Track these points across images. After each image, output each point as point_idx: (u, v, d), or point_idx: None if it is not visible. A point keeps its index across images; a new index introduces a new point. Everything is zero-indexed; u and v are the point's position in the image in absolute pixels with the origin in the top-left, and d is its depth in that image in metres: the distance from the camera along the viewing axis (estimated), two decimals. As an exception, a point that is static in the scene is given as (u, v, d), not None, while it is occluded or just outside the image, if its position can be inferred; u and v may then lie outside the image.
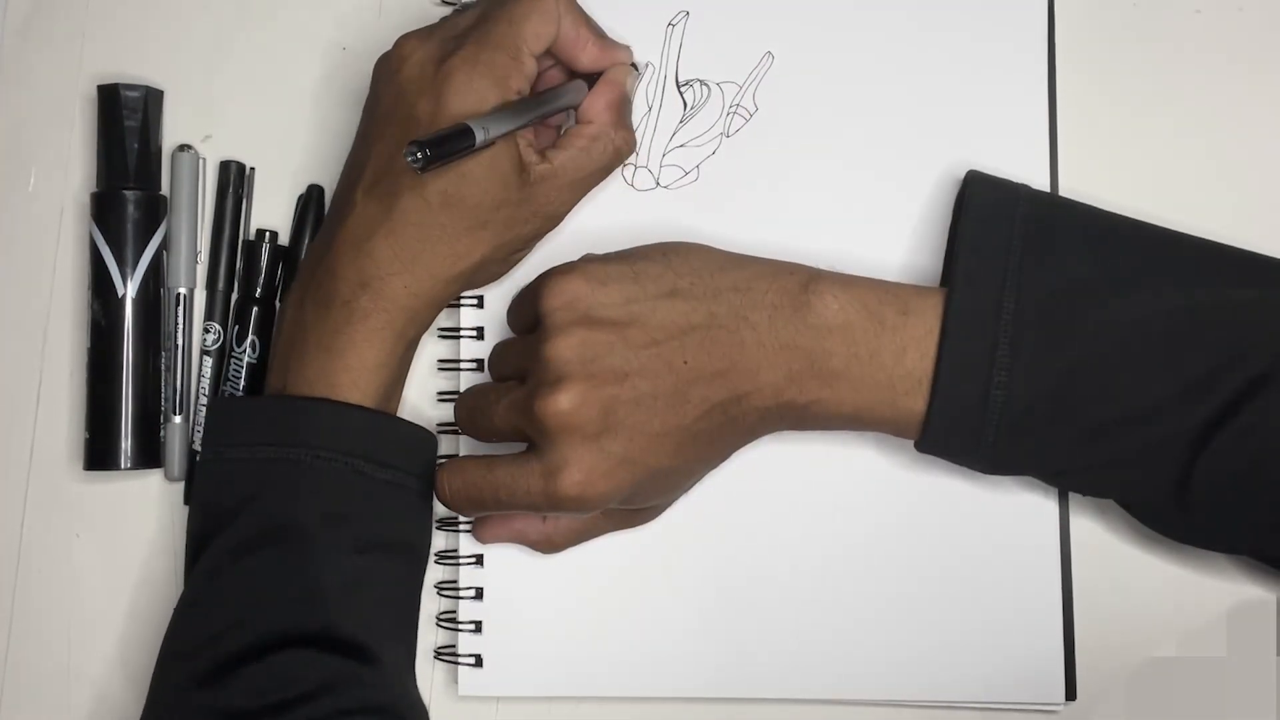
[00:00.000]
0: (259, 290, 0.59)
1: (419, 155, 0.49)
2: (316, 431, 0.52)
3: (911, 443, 0.53)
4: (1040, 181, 0.57)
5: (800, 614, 0.57)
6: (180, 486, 0.60)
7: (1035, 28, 0.58)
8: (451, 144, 0.49)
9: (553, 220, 0.56)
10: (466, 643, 0.57)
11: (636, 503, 0.53)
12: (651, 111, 0.59)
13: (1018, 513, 0.57)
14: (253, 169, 0.61)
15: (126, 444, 0.58)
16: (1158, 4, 0.55)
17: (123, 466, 0.59)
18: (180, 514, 0.60)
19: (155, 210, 0.60)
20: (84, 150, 0.61)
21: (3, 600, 0.60)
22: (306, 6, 0.62)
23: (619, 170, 0.59)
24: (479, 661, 0.57)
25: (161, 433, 0.59)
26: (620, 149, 0.56)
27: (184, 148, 0.61)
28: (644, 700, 0.58)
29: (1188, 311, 0.50)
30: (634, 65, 0.58)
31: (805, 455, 0.57)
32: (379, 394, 0.53)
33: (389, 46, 0.55)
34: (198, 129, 0.61)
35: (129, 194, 0.59)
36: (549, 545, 0.56)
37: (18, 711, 0.59)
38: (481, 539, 0.57)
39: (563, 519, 0.55)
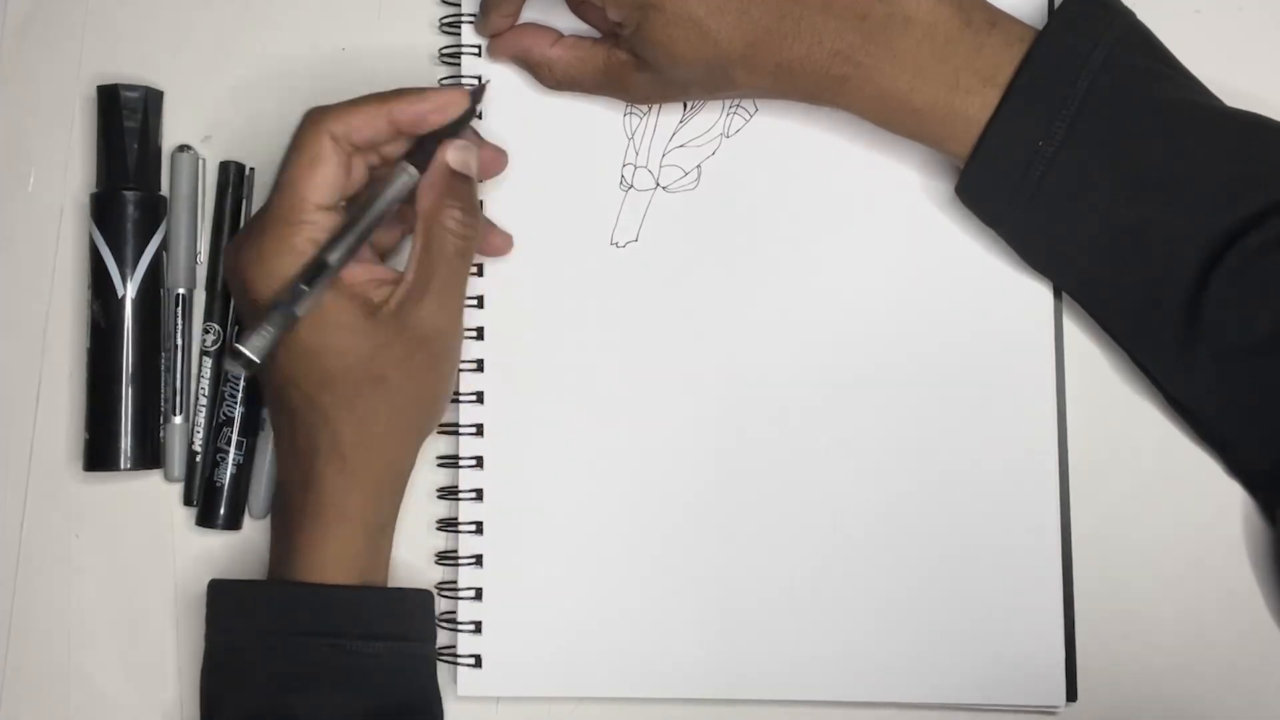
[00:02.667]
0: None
1: (241, 357, 0.49)
2: (294, 616, 0.52)
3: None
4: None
5: (800, 615, 0.57)
6: (180, 487, 0.60)
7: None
8: (259, 328, 0.49)
9: (448, 335, 0.54)
10: (466, 643, 0.57)
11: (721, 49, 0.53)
12: (651, 111, 0.59)
13: (1018, 513, 0.57)
14: (252, 169, 0.61)
15: (126, 444, 0.58)
16: (1158, 4, 0.55)
17: (122, 467, 0.59)
18: (180, 514, 0.60)
19: (155, 211, 0.60)
20: (84, 150, 0.61)
21: (3, 600, 0.60)
22: (306, 6, 0.62)
23: (619, 170, 0.59)
24: (479, 662, 0.57)
25: (161, 433, 0.59)
26: (459, 228, 0.53)
27: (184, 148, 0.61)
28: (644, 701, 0.58)
29: (1260, 125, 0.53)
30: (474, 92, 0.55)
31: (805, 455, 0.57)
32: (366, 568, 0.53)
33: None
34: (198, 129, 0.61)
35: (129, 194, 0.59)
36: (548, 73, 0.57)
37: (18, 711, 0.59)
38: (490, 54, 0.58)
39: (569, 52, 0.56)
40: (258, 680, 0.52)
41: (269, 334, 0.49)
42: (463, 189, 0.54)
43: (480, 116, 0.59)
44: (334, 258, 0.51)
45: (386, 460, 0.54)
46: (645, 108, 0.59)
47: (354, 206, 0.53)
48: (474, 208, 0.54)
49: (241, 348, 0.49)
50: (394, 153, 0.54)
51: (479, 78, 0.59)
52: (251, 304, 0.52)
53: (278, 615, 0.52)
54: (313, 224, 0.51)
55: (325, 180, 0.52)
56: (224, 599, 0.54)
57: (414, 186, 0.53)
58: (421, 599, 0.55)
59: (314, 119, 0.52)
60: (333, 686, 0.51)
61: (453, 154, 0.53)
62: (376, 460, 0.53)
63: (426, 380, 0.54)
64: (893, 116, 0.54)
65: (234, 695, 0.52)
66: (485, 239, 0.57)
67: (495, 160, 0.58)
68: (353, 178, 0.53)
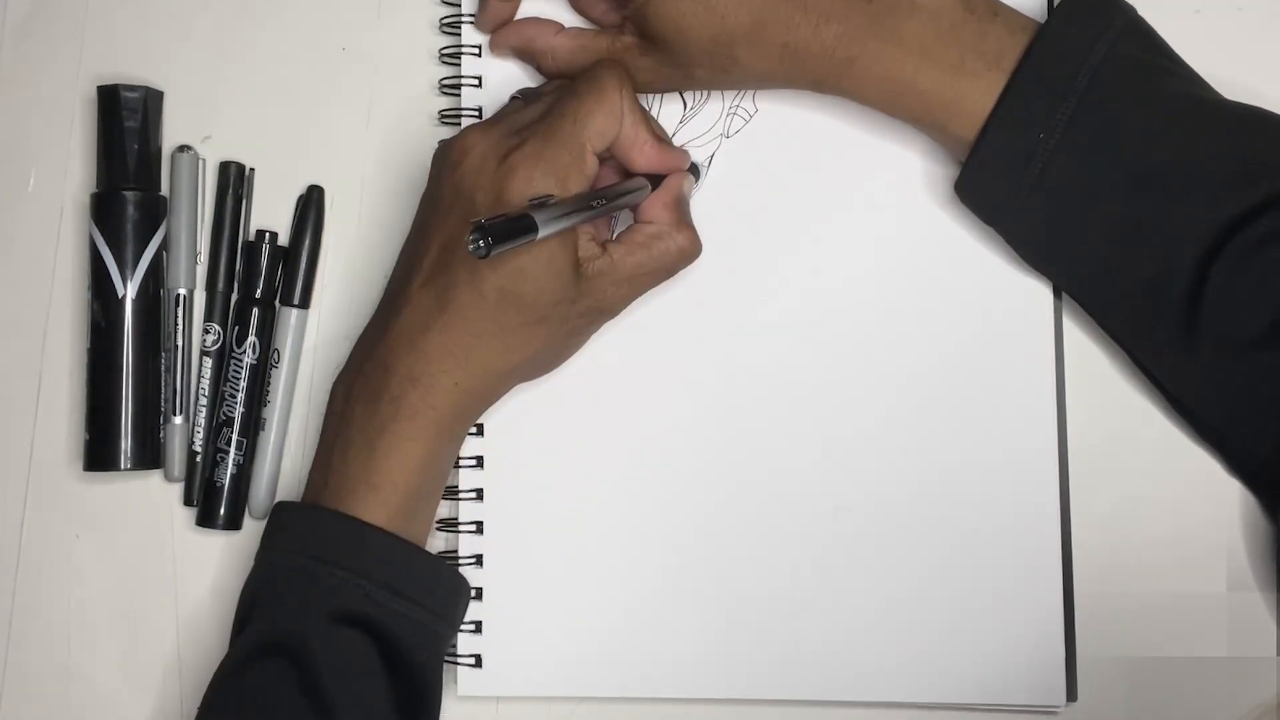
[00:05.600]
0: (259, 291, 0.59)
1: (480, 243, 0.47)
2: (336, 548, 0.52)
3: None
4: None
5: (800, 615, 0.57)
6: (180, 487, 0.60)
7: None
8: (514, 232, 0.48)
9: (608, 315, 0.55)
10: (466, 643, 0.57)
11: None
12: (652, 110, 0.59)
13: (1018, 513, 0.57)
14: (252, 169, 0.61)
15: (126, 444, 0.58)
16: (1158, 4, 0.55)
17: (123, 467, 0.59)
18: (180, 514, 0.60)
19: (155, 211, 0.60)
20: (84, 150, 0.61)
21: (3, 600, 0.60)
22: (306, 7, 0.62)
23: (619, 170, 0.59)
24: (479, 662, 0.57)
25: (161, 433, 0.59)
26: (685, 249, 0.55)
27: (184, 148, 0.61)
28: (643, 701, 0.58)
29: (1260, 118, 0.53)
30: (694, 166, 0.58)
31: (805, 455, 0.57)
32: (413, 503, 0.53)
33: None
34: (197, 129, 0.61)
35: (129, 194, 0.59)
36: (551, 61, 0.57)
37: (18, 711, 0.59)
38: (493, 47, 0.59)
39: (573, 40, 0.56)
40: (286, 601, 0.52)
41: (516, 233, 0.48)
42: (689, 214, 0.56)
43: (481, 116, 0.59)
44: (578, 215, 0.51)
45: (488, 393, 0.55)
46: (646, 106, 0.59)
47: (612, 183, 0.54)
48: (698, 236, 0.55)
49: (487, 242, 0.47)
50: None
51: (698, 163, 0.59)
52: (492, 206, 0.51)
53: (320, 542, 0.52)
54: (586, 162, 0.52)
55: (606, 129, 0.53)
56: (281, 518, 0.54)
57: (639, 202, 0.55)
58: (456, 581, 0.55)
59: (618, 77, 0.53)
60: (356, 624, 0.51)
61: (689, 183, 0.56)
62: (490, 386, 0.54)
63: (571, 341, 0.56)
64: (898, 100, 0.54)
65: (261, 611, 0.52)
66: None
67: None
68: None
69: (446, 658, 0.57)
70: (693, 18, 0.52)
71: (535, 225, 0.48)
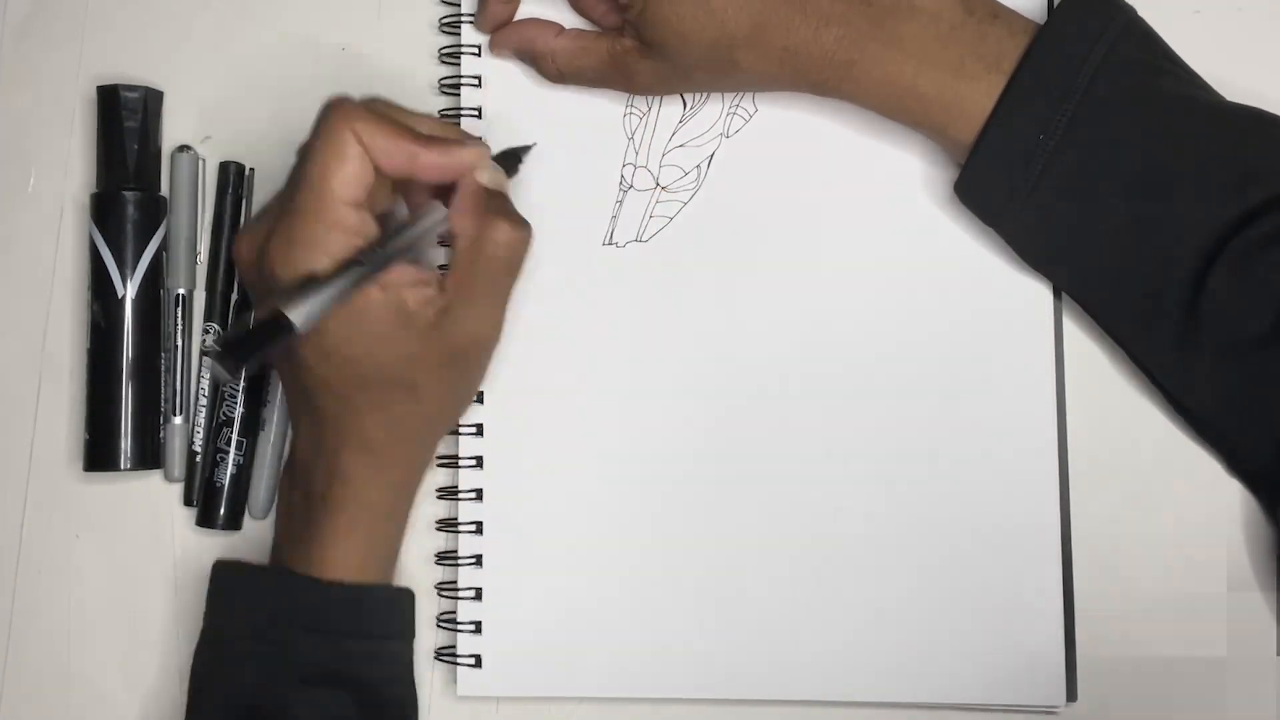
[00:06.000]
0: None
1: (227, 363, 0.45)
2: (291, 608, 0.52)
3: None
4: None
5: (800, 616, 0.57)
6: (180, 487, 0.60)
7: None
8: (258, 340, 0.46)
9: (485, 342, 0.54)
10: (466, 643, 0.57)
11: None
12: (651, 111, 0.59)
13: (1018, 513, 0.57)
14: (252, 170, 0.61)
15: (126, 444, 0.58)
16: (1157, 4, 0.55)
17: (123, 467, 0.59)
18: (180, 514, 0.60)
19: (155, 211, 0.60)
20: (84, 151, 0.61)
21: (3, 600, 0.60)
22: (306, 6, 0.62)
23: (619, 170, 0.59)
24: (478, 662, 0.57)
25: (161, 433, 0.59)
26: (510, 242, 0.51)
27: (183, 148, 0.61)
28: (643, 701, 0.58)
29: (1260, 119, 0.53)
30: (505, 154, 0.55)
31: (805, 455, 0.57)
32: (372, 566, 0.54)
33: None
34: (197, 130, 0.61)
35: (129, 195, 0.59)
36: (551, 64, 0.57)
37: (18, 711, 0.59)
38: (493, 48, 0.59)
39: (573, 42, 0.56)
40: (251, 668, 0.52)
41: (314, 302, 0.45)
42: (504, 204, 0.53)
43: (480, 115, 0.59)
44: (369, 264, 0.48)
45: (412, 456, 0.55)
46: (645, 106, 0.59)
47: (388, 224, 0.51)
48: (519, 220, 0.53)
49: (286, 312, 0.45)
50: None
51: (521, 150, 0.57)
52: (271, 295, 0.49)
53: (279, 605, 0.52)
54: (342, 221, 0.49)
55: (352, 177, 0.49)
56: (228, 581, 0.54)
57: (441, 223, 0.52)
58: (407, 598, 0.56)
59: (341, 114, 0.50)
60: (327, 681, 0.52)
61: (485, 175, 0.52)
62: (404, 456, 0.54)
63: (460, 385, 0.55)
64: (898, 103, 0.54)
65: (225, 682, 0.52)
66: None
67: None
68: (380, 187, 0.51)
69: (445, 658, 0.57)
70: (692, 22, 0.52)
71: (284, 319, 0.45)
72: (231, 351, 0.45)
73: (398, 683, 0.55)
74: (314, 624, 0.52)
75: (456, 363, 0.53)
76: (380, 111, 0.51)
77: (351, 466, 0.52)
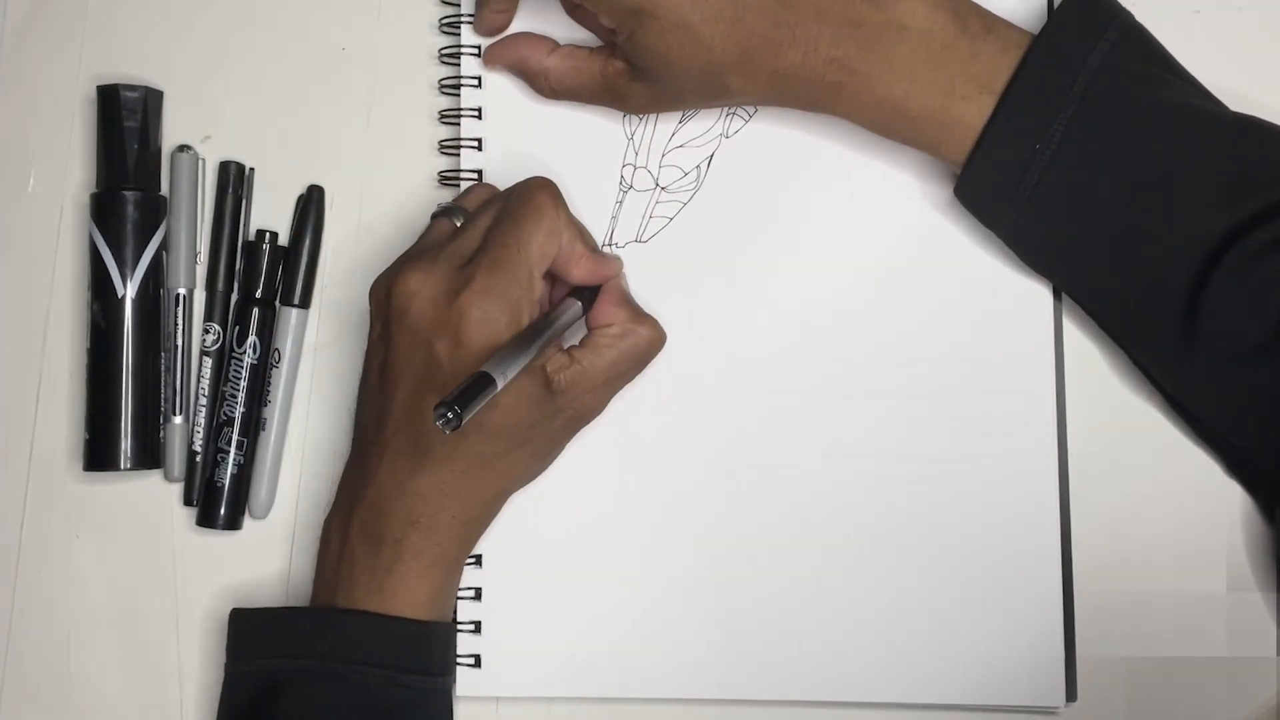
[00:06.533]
0: (259, 291, 0.59)
1: (449, 416, 0.46)
2: (355, 646, 0.52)
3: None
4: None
5: (800, 616, 0.57)
6: (179, 487, 0.60)
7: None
8: (477, 397, 0.47)
9: (587, 420, 0.55)
10: (465, 643, 0.57)
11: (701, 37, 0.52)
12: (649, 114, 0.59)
13: (1018, 513, 0.57)
14: (252, 169, 0.61)
15: (126, 444, 0.58)
16: (1157, 4, 0.55)
17: (122, 467, 0.59)
18: (180, 514, 0.60)
19: (155, 211, 0.60)
20: (84, 150, 0.61)
21: (3, 600, 0.60)
22: (306, 6, 0.62)
23: (619, 171, 0.59)
24: (478, 662, 0.57)
25: (161, 433, 0.59)
26: (654, 338, 0.54)
27: (183, 148, 0.61)
28: (643, 701, 0.57)
29: (1256, 127, 0.53)
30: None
31: (804, 455, 0.57)
32: (443, 605, 0.54)
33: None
34: (197, 129, 0.61)
35: (129, 194, 0.59)
36: (544, 82, 0.57)
37: (18, 711, 0.59)
38: (486, 62, 0.59)
39: (565, 61, 0.56)
40: (309, 709, 0.52)
41: (479, 396, 0.47)
42: (640, 309, 0.55)
43: (481, 116, 0.59)
44: (532, 348, 0.50)
45: (492, 510, 0.55)
46: (639, 117, 0.59)
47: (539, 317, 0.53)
48: (660, 326, 0.55)
49: (455, 414, 0.46)
50: None
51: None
52: (453, 352, 0.51)
53: (339, 643, 0.52)
54: (535, 289, 0.52)
55: (548, 254, 0.52)
56: (264, 625, 0.54)
57: (578, 318, 0.54)
58: (453, 634, 0.56)
59: (553, 196, 0.53)
60: (385, 716, 0.52)
61: (624, 283, 0.56)
62: (487, 511, 0.55)
63: (551, 453, 0.56)
64: (889, 123, 0.54)
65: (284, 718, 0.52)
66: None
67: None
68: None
69: (447, 658, 0.58)
70: (680, 50, 0.52)
71: (494, 382, 0.47)
72: (456, 411, 0.46)
73: (444, 717, 0.55)
74: (377, 659, 0.52)
75: (568, 429, 0.55)
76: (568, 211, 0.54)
77: (440, 518, 0.53)
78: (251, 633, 0.54)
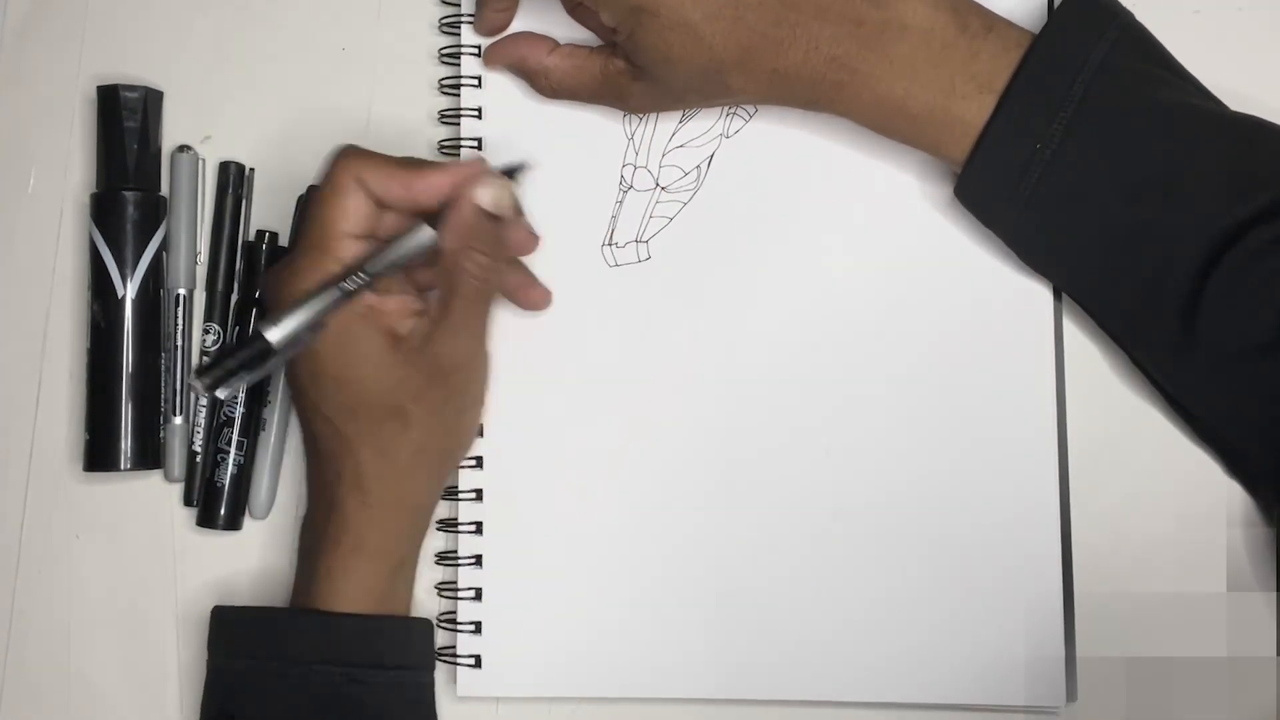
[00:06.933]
0: (259, 291, 0.59)
1: (201, 380, 0.47)
2: (308, 645, 0.52)
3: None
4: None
5: (800, 616, 0.57)
6: (179, 487, 0.60)
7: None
8: (231, 357, 0.47)
9: (468, 362, 0.54)
10: (466, 643, 0.57)
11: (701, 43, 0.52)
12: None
13: (1018, 513, 0.57)
14: (252, 169, 0.61)
15: (126, 445, 0.58)
16: (1157, 4, 0.55)
17: (122, 467, 0.59)
18: (180, 514, 0.60)
19: (155, 211, 0.60)
20: (84, 150, 0.61)
21: (3, 600, 0.60)
22: (306, 6, 0.62)
23: (619, 171, 0.59)
24: (478, 662, 0.57)
25: (161, 434, 0.59)
26: (478, 275, 0.52)
27: (183, 148, 0.61)
28: (643, 701, 0.57)
29: (1256, 127, 0.53)
30: (510, 169, 0.55)
31: (805, 455, 0.57)
32: (383, 598, 0.54)
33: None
34: (197, 130, 0.61)
35: (129, 195, 0.59)
36: (544, 82, 0.57)
37: (18, 711, 0.59)
38: (486, 62, 0.59)
39: (566, 60, 0.56)
40: (268, 708, 0.52)
41: (290, 320, 0.48)
42: (489, 230, 0.53)
43: (481, 116, 0.59)
44: (348, 285, 0.51)
45: (407, 493, 0.54)
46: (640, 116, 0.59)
47: (375, 246, 0.53)
48: (499, 251, 0.54)
49: (264, 331, 0.48)
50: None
51: (516, 169, 0.55)
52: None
53: (289, 643, 0.52)
54: (341, 251, 0.52)
55: (348, 211, 0.52)
56: (231, 625, 0.54)
57: (429, 244, 0.52)
58: (423, 627, 0.56)
59: (342, 155, 0.53)
60: (343, 716, 0.52)
61: (483, 192, 0.53)
62: (397, 492, 0.54)
63: (448, 415, 0.54)
64: (889, 122, 0.54)
65: None
66: (513, 247, 0.57)
67: (525, 242, 0.57)
68: (384, 221, 0.54)
69: (445, 658, 0.57)
70: (681, 49, 0.52)
71: (261, 339, 0.48)
72: (208, 371, 0.47)
73: (416, 713, 0.55)
74: (327, 656, 0.52)
75: (441, 389, 0.53)
76: (379, 153, 0.53)
77: (344, 501, 0.52)
78: (225, 632, 0.54)
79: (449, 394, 0.54)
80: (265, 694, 0.52)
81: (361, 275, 0.51)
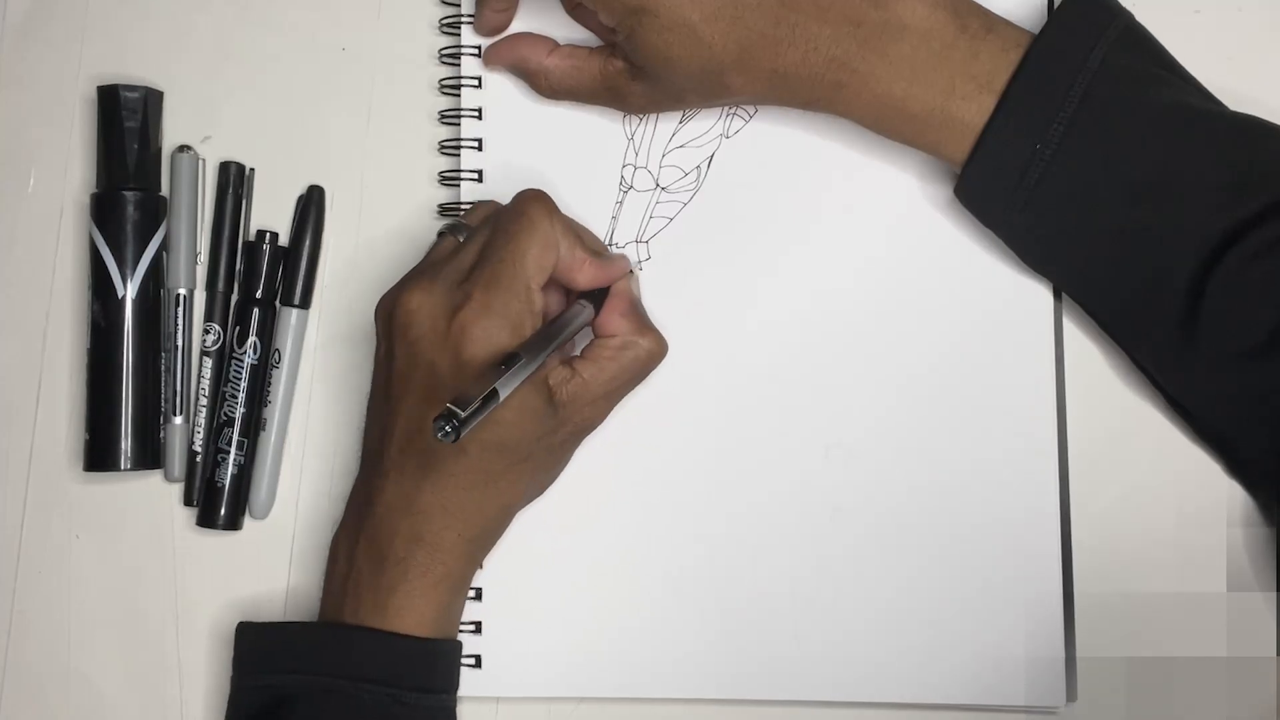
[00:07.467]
0: (259, 291, 0.59)
1: (448, 429, 0.46)
2: (360, 663, 0.52)
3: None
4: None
5: (800, 616, 0.57)
6: (179, 487, 0.60)
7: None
8: (478, 411, 0.47)
9: (588, 431, 0.55)
10: (466, 643, 0.57)
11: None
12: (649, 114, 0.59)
13: (1018, 513, 0.57)
14: (252, 169, 0.61)
15: (126, 445, 0.58)
16: (1157, 4, 0.55)
17: (122, 467, 0.59)
18: (181, 514, 0.60)
19: (155, 211, 0.60)
20: (84, 151, 0.61)
21: (3, 600, 0.60)
22: (306, 7, 0.62)
23: (619, 171, 0.59)
24: (478, 662, 0.57)
25: (161, 434, 0.59)
26: (653, 351, 0.54)
27: (184, 148, 0.61)
28: (643, 701, 0.57)
29: (1256, 128, 0.53)
30: (631, 270, 0.57)
31: (804, 455, 0.57)
32: (444, 621, 0.54)
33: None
34: (197, 130, 0.61)
35: (129, 195, 0.59)
36: (544, 82, 0.57)
37: (18, 711, 0.59)
38: (486, 62, 0.59)
39: (565, 61, 0.56)
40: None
41: (480, 410, 0.47)
42: (647, 317, 0.56)
43: (481, 116, 0.59)
44: (536, 359, 0.50)
45: (497, 528, 0.55)
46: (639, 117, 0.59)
47: (545, 323, 0.53)
48: (662, 336, 0.55)
49: (454, 425, 0.46)
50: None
51: (634, 262, 0.58)
52: (454, 368, 0.51)
53: (343, 659, 0.52)
54: (534, 303, 0.52)
55: (545, 267, 0.52)
56: (267, 638, 0.54)
57: (588, 322, 0.54)
58: (458, 651, 0.56)
59: (546, 208, 0.53)
60: None
61: (637, 286, 0.57)
62: (493, 528, 0.54)
63: (559, 461, 0.56)
64: (889, 123, 0.54)
65: None
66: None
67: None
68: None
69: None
70: (680, 49, 0.52)
71: (496, 394, 0.47)
72: (455, 422, 0.46)
73: None
74: (379, 675, 0.52)
75: (569, 443, 0.55)
76: (573, 223, 0.55)
77: (445, 536, 0.52)
78: (259, 648, 0.54)
79: (571, 447, 0.56)
80: (312, 710, 0.52)
81: (548, 340, 0.52)
